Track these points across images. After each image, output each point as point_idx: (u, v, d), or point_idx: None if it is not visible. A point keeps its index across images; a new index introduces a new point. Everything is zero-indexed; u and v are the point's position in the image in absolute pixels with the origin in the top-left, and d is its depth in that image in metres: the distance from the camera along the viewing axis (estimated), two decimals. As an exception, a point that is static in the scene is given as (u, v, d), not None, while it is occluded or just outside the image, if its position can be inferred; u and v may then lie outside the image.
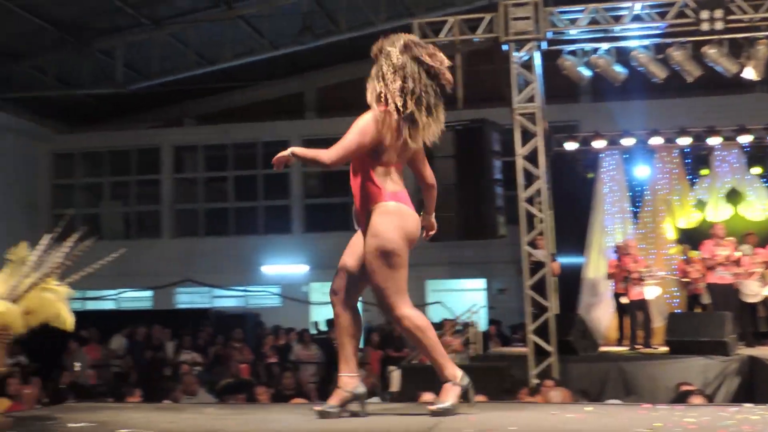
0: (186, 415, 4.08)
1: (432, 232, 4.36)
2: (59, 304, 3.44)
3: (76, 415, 3.90)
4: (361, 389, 3.92)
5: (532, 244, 11.22)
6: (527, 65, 11.22)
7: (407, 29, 15.64)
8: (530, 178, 11.28)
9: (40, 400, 9.63)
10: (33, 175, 21.17)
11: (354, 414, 3.89)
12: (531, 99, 11.17)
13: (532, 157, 11.15)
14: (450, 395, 3.87)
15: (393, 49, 3.94)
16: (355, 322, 4.01)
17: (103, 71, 18.11)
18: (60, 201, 21.68)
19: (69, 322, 3.47)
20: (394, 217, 3.89)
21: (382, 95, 3.90)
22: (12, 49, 17.65)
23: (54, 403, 8.87)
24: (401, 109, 3.84)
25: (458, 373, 3.91)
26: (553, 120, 13.92)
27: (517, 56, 11.15)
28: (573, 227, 14.25)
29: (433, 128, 3.96)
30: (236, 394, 9.35)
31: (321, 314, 18.93)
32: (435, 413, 3.77)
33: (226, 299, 20.64)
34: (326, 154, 3.84)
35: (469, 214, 11.35)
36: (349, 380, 3.92)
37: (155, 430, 3.32)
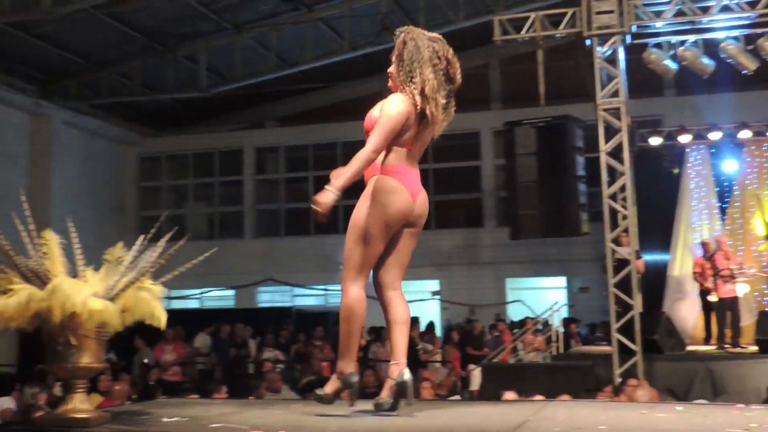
0: (273, 411, 4.13)
1: None
2: (153, 302, 3.54)
3: (168, 410, 4.00)
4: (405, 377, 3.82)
5: (616, 242, 11.03)
6: (611, 60, 11.04)
7: (487, 26, 15.64)
8: (614, 175, 11.09)
9: (129, 396, 9.91)
10: (121, 178, 21.81)
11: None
12: (615, 94, 10.99)
13: (615, 153, 10.96)
14: (329, 386, 3.96)
15: (418, 42, 3.96)
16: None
17: (187, 76, 18.54)
18: (146, 203, 22.31)
19: (162, 319, 3.57)
20: (381, 193, 3.84)
21: (405, 83, 3.90)
22: (101, 56, 18.23)
23: (142, 399, 9.14)
24: (420, 98, 3.86)
25: (348, 370, 3.91)
26: (636, 115, 13.66)
27: (601, 51, 10.98)
28: (657, 224, 13.96)
29: (443, 124, 4.03)
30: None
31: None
32: (314, 398, 3.95)
33: (307, 298, 20.87)
34: (367, 150, 3.79)
35: (551, 211, 11.25)
36: (395, 369, 3.86)
37: (246, 425, 3.37)
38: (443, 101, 3.97)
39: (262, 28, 17.90)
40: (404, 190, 3.88)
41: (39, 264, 3.38)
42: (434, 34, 4.05)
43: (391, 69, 4.02)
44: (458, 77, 4.04)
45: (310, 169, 21.50)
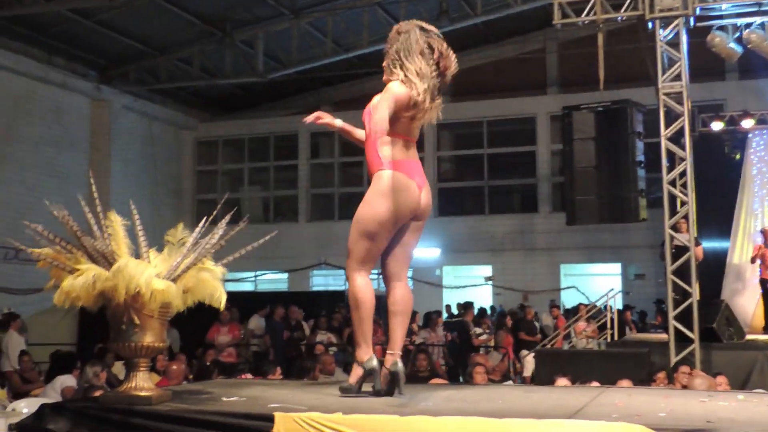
0: (329, 393, 4.17)
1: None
2: (214, 283, 3.60)
3: (227, 390, 4.07)
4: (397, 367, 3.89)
5: (675, 228, 10.86)
6: (673, 43, 10.82)
7: (545, 10, 15.49)
8: (673, 160, 10.90)
9: (186, 376, 10.08)
10: (178, 162, 22.16)
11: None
12: (676, 78, 10.78)
13: (676, 138, 10.78)
14: (352, 376, 3.95)
15: (410, 34, 4.02)
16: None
17: (244, 61, 18.71)
18: (202, 186, 22.63)
19: (222, 301, 3.62)
20: (386, 187, 3.87)
21: (397, 72, 3.98)
22: (160, 42, 18.50)
23: (199, 380, 9.30)
24: (414, 88, 3.90)
25: (365, 357, 3.89)
26: (697, 99, 13.42)
27: (663, 34, 10.77)
28: (717, 210, 13.72)
29: (432, 113, 4.01)
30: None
31: (453, 298, 18.96)
32: (341, 390, 3.92)
33: (361, 282, 20.95)
34: (374, 122, 3.80)
35: (609, 197, 11.10)
36: (389, 358, 3.95)
37: (305, 405, 3.41)
38: (431, 89, 3.96)
39: (319, 13, 17.95)
40: (413, 186, 3.93)
41: (105, 245, 3.46)
42: (430, 27, 4.10)
43: (385, 62, 4.11)
44: (450, 71, 4.04)
45: (364, 153, 21.52)
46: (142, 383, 3.48)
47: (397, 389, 3.85)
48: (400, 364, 3.89)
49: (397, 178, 3.89)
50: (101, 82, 19.01)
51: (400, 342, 4.03)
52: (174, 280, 3.47)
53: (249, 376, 8.33)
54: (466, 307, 15.76)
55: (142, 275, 3.36)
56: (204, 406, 3.45)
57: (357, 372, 3.93)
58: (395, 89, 3.90)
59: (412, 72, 3.93)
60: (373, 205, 3.88)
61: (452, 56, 4.06)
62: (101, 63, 18.84)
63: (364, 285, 3.94)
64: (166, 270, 3.47)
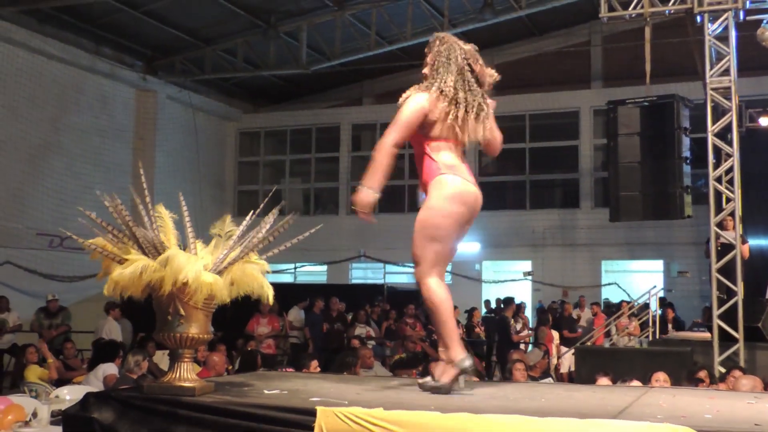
0: (369, 387, 4.17)
1: None
2: (260, 277, 3.62)
3: (268, 383, 4.09)
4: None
5: (720, 225, 10.69)
6: (721, 37, 10.64)
7: (590, 3, 15.28)
8: (720, 156, 10.73)
9: (226, 368, 10.16)
10: (221, 153, 22.34)
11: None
12: (724, 73, 10.60)
13: (722, 134, 10.60)
14: (445, 375, 3.86)
15: (450, 51, 4.11)
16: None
17: (287, 53, 18.79)
18: (244, 177, 22.79)
19: (269, 293, 3.64)
20: (447, 191, 3.95)
21: (431, 84, 4.06)
22: (206, 33, 18.66)
23: (240, 371, 9.37)
24: (439, 96, 4.01)
25: (459, 357, 3.87)
26: (744, 94, 13.16)
27: (711, 28, 10.59)
28: (764, 208, 13.48)
29: (479, 130, 4.10)
30: (410, 368, 9.50)
31: (492, 293, 18.88)
32: (424, 388, 3.85)
33: (398, 275, 20.96)
34: (387, 143, 4.07)
35: (654, 193, 10.98)
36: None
37: (345, 400, 3.42)
38: (475, 101, 4.07)
39: (363, 5, 17.95)
40: (473, 190, 4.03)
41: (155, 235, 3.50)
42: (468, 46, 4.20)
43: (425, 71, 4.18)
44: (487, 81, 4.18)
45: (405, 147, 21.44)
46: (186, 374, 3.51)
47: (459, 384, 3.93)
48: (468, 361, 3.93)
49: (459, 182, 3.99)
50: (147, 72, 19.23)
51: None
52: (220, 273, 3.50)
53: (291, 370, 8.38)
54: (507, 302, 15.70)
55: (189, 267, 3.39)
56: (247, 398, 3.47)
57: (450, 371, 3.89)
58: (406, 108, 4.07)
59: (441, 84, 4.03)
60: (440, 209, 3.94)
61: (487, 72, 4.18)
62: (147, 53, 19.06)
63: (438, 287, 3.94)
64: (213, 262, 3.50)
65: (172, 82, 19.74)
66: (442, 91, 4.00)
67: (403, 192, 21.56)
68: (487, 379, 11.45)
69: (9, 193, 15.88)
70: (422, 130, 4.06)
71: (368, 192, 4.01)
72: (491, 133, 4.21)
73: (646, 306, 14.23)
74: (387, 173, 4.06)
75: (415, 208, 21.90)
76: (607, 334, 14.03)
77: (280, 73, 20.29)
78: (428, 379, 3.95)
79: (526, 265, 20.05)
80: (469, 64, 4.11)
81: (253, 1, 17.27)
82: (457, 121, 4.02)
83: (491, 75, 4.20)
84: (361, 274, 21.70)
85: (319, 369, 8.09)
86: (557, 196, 21.29)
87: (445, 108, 3.99)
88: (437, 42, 4.17)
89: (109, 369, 8.68)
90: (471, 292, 19.18)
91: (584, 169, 19.90)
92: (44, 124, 16.69)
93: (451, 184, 3.96)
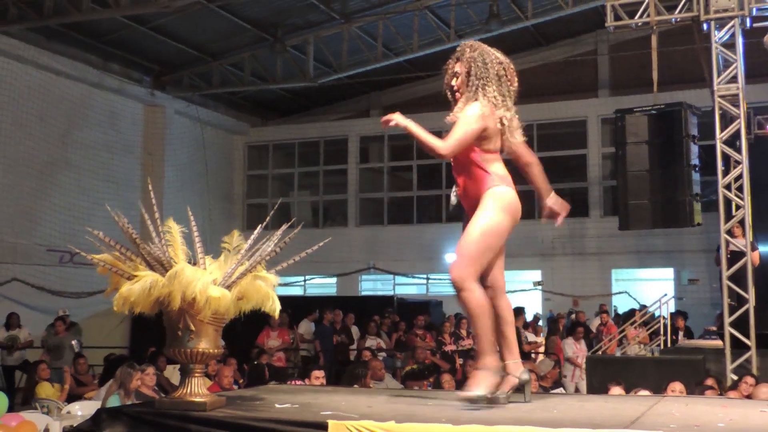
0: (380, 400, 4.16)
1: (564, 213, 4.51)
2: (269, 291, 3.62)
3: (279, 396, 4.08)
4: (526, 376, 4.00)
5: (730, 233, 10.65)
6: (728, 44, 10.62)
7: (596, 12, 15.30)
8: (728, 163, 10.70)
9: (236, 381, 10.16)
10: (229, 167, 22.39)
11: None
12: (732, 80, 10.59)
13: (730, 141, 10.58)
14: (481, 384, 3.84)
15: (486, 58, 4.10)
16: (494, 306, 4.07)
17: (295, 66, 18.86)
18: (253, 191, 22.84)
19: (277, 309, 3.64)
20: (504, 200, 4.01)
21: (480, 90, 4.04)
22: (213, 48, 18.76)
23: (250, 384, 9.36)
24: (497, 104, 4.04)
25: (493, 365, 3.90)
26: (752, 101, 13.14)
27: (718, 35, 10.58)
28: (773, 215, 13.38)
29: (515, 138, 4.18)
30: (421, 380, 9.48)
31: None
32: (463, 399, 3.81)
33: (408, 287, 20.94)
34: (443, 146, 3.97)
35: (663, 201, 10.95)
36: (516, 366, 4.01)
37: (356, 413, 3.41)
38: (513, 110, 4.15)
39: (369, 18, 18.02)
40: (518, 202, 4.09)
41: (163, 251, 3.50)
42: (498, 54, 4.18)
43: (458, 83, 4.15)
44: (515, 87, 4.19)
45: (413, 158, 21.54)
46: (197, 389, 3.51)
47: (524, 396, 3.98)
48: (527, 374, 4.02)
49: (513, 194, 4.07)
50: (155, 87, 19.32)
51: (517, 349, 4.13)
52: (229, 287, 3.50)
53: (300, 383, 8.36)
54: (517, 312, 15.63)
55: (197, 282, 3.39)
56: (258, 413, 3.47)
57: (492, 379, 3.90)
58: (471, 117, 4.00)
59: (490, 96, 4.04)
60: (500, 220, 3.99)
61: (515, 78, 4.20)
62: (155, 69, 19.15)
63: (483, 294, 3.95)
64: (222, 277, 3.50)
65: (180, 96, 19.82)
66: (490, 101, 4.02)
67: (412, 204, 21.57)
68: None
69: (19, 210, 15.94)
70: (478, 143, 4.06)
71: (405, 120, 4.08)
72: (523, 143, 4.28)
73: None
74: (418, 141, 4.07)
75: (426, 220, 21.96)
76: (619, 343, 13.96)
77: (287, 87, 20.36)
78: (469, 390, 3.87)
79: (536, 275, 20.00)
80: (504, 69, 4.12)
81: (260, 15, 17.35)
82: (506, 130, 4.08)
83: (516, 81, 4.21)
84: (371, 285, 21.68)
85: (323, 381, 8.02)
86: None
87: (496, 118, 4.03)
88: (468, 49, 4.13)
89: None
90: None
91: (593, 177, 19.87)
92: (53, 141, 16.77)
93: (507, 195, 4.04)
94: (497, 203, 3.99)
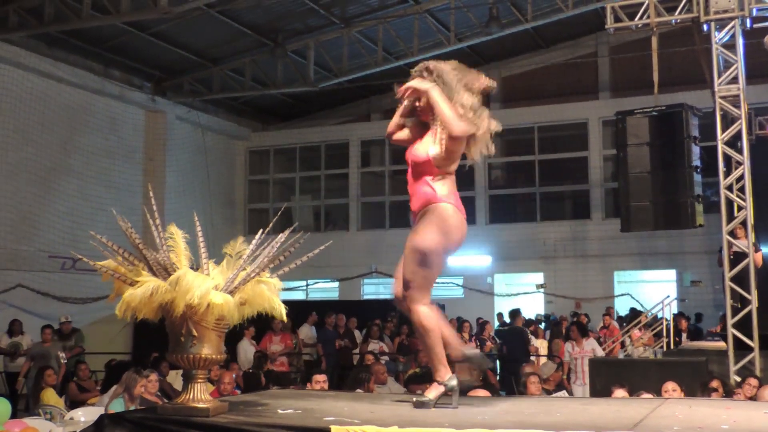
0: (383, 405, 4.16)
1: None
2: (272, 295, 3.62)
3: (282, 402, 4.08)
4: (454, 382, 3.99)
5: (732, 234, 10.64)
6: (729, 45, 10.62)
7: (596, 14, 15.29)
8: (730, 164, 10.69)
9: (238, 386, 10.16)
10: (230, 172, 22.40)
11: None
12: (733, 81, 10.58)
13: (732, 142, 10.57)
14: (432, 391, 3.94)
15: (446, 68, 4.10)
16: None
17: (295, 71, 18.87)
18: (254, 196, 22.85)
19: (281, 312, 3.64)
20: (441, 219, 3.95)
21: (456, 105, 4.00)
22: (213, 53, 18.78)
23: (250, 390, 9.35)
24: (472, 122, 4.00)
25: (446, 376, 3.96)
26: (753, 101, 13.14)
27: (719, 36, 10.58)
28: (775, 216, 13.36)
29: (481, 144, 4.10)
30: (423, 383, 9.45)
31: (505, 306, 18.83)
32: (415, 405, 3.90)
33: (411, 290, 20.88)
34: (459, 125, 3.92)
35: (664, 202, 10.94)
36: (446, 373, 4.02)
37: (358, 419, 3.41)
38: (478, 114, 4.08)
39: (369, 22, 18.03)
40: (464, 222, 4.05)
41: (165, 257, 3.50)
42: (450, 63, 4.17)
43: (422, 102, 4.12)
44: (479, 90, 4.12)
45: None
46: (200, 395, 3.51)
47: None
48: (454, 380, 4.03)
49: (453, 214, 3.99)
50: (156, 93, 19.34)
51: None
52: (231, 293, 3.50)
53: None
54: (515, 314, 15.65)
55: (199, 288, 3.39)
56: (260, 418, 3.46)
57: (437, 390, 3.97)
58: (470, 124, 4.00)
59: (466, 107, 4.00)
60: (429, 235, 3.94)
61: (479, 79, 4.14)
62: (156, 74, 19.17)
63: (428, 313, 3.98)
64: (224, 282, 3.50)
65: (181, 102, 19.84)
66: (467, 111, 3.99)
67: (413, 207, 21.57)
68: (503, 393, 11.40)
69: (21, 216, 15.95)
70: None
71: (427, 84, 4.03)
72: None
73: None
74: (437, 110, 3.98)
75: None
76: (622, 345, 13.96)
77: (288, 91, 20.37)
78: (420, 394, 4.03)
79: (538, 278, 19.99)
80: (462, 78, 4.08)
81: (260, 20, 17.37)
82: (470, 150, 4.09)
83: (484, 82, 4.14)
84: (373, 289, 21.67)
85: (324, 385, 8.00)
86: (568, 208, 21.24)
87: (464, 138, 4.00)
88: (425, 73, 4.13)
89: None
90: (483, 305, 19.13)
91: (594, 180, 19.87)
92: (55, 147, 16.78)
93: (453, 214, 4.00)
94: (439, 220, 3.95)
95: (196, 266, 3.58)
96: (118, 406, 7.45)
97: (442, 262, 3.98)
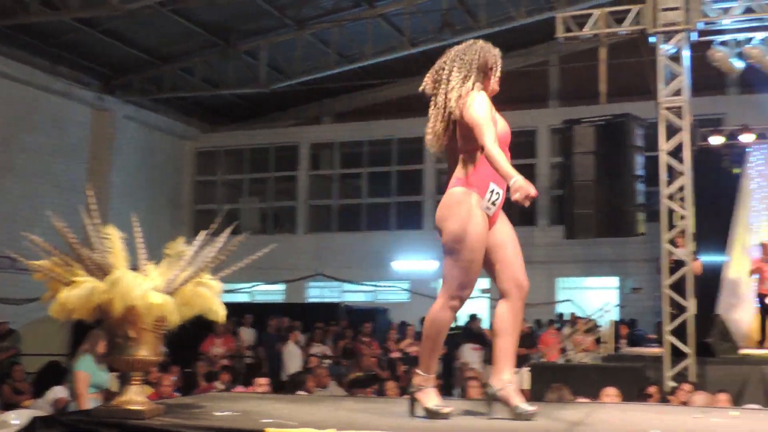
0: (323, 407, 4.16)
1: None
2: (212, 297, 3.59)
3: (219, 404, 4.05)
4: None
5: (673, 242, 10.85)
6: (675, 57, 10.84)
7: (549, 24, 15.47)
8: (672, 174, 10.91)
9: (178, 388, 10.04)
10: (178, 173, 22.16)
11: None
12: (677, 92, 10.79)
13: (675, 153, 10.77)
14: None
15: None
16: None
17: (247, 71, 18.75)
18: (201, 197, 22.62)
19: (221, 314, 3.62)
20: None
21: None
22: (164, 52, 18.58)
23: (188, 392, 9.27)
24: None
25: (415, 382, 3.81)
26: (697, 113, 13.41)
27: (665, 48, 10.79)
28: (715, 225, 13.69)
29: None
30: (365, 387, 9.47)
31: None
32: (516, 416, 3.67)
33: (356, 294, 20.89)
34: (488, 147, 3.76)
35: (608, 210, 11.10)
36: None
37: (296, 421, 3.40)
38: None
39: (324, 25, 18.01)
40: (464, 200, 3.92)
41: (103, 257, 3.46)
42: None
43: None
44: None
45: (364, 166, 21.58)
46: (136, 397, 3.47)
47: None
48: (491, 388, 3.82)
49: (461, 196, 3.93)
50: (104, 91, 19.06)
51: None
52: (171, 294, 3.47)
53: (241, 388, 8.30)
54: (473, 318, 15.94)
55: (138, 288, 3.36)
56: (196, 421, 3.43)
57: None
58: (481, 107, 3.88)
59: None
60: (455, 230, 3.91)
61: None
62: (105, 72, 18.89)
63: (437, 313, 4.03)
64: (164, 283, 3.47)
65: (130, 101, 19.58)
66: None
67: (361, 211, 21.60)
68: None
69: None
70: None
71: (520, 178, 3.68)
72: None
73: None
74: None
75: (375, 227, 21.90)
76: (563, 350, 14.13)
77: (239, 92, 20.24)
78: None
79: (484, 282, 20.08)
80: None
81: (213, 19, 17.23)
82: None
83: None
84: (318, 292, 21.62)
85: (266, 388, 7.96)
86: (514, 214, 21.37)
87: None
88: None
89: (60, 392, 8.52)
90: (427, 309, 19.15)
91: (541, 187, 20.06)
92: (-3, 145, 16.46)
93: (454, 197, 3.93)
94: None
95: (135, 267, 3.54)
96: (88, 362, 7.70)
97: None
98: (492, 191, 3.84)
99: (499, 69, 3.97)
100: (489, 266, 3.96)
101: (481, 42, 4.00)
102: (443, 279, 3.93)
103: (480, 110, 3.77)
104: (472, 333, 15.53)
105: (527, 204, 3.65)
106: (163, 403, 3.86)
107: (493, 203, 3.85)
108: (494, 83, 3.96)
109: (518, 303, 3.94)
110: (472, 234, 3.75)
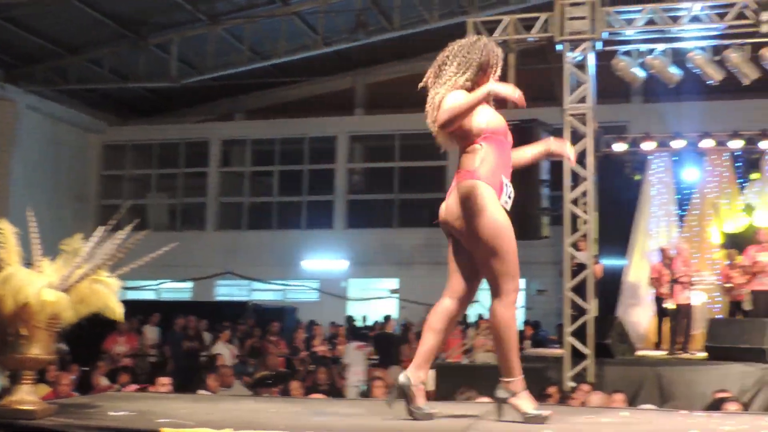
0: (223, 407, 4.14)
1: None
2: (109, 295, 3.52)
3: (116, 404, 3.99)
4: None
5: (575, 246, 11.14)
6: (581, 65, 11.12)
7: (461, 28, 15.62)
8: (577, 179, 11.19)
9: (78, 387, 9.80)
10: (84, 166, 21.60)
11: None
12: (582, 99, 11.07)
13: (579, 158, 11.05)
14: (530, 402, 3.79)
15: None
16: None
17: (157, 65, 18.41)
18: (108, 192, 22.09)
19: (118, 312, 3.56)
20: None
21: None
22: (71, 42, 18.08)
23: (88, 391, 9.06)
24: None
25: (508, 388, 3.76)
26: (602, 120, 13.79)
27: (571, 56, 11.06)
28: (616, 229, 14.09)
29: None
30: (271, 387, 9.43)
31: (357, 310, 19.01)
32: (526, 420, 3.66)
33: (265, 293, 20.78)
34: (452, 106, 3.87)
35: (513, 214, 11.25)
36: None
37: (194, 421, 3.38)
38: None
39: (237, 20, 17.83)
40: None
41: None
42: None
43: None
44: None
45: (275, 163, 21.46)
46: (27, 396, 3.38)
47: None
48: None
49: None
50: (6, 81, 18.43)
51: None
52: (66, 291, 3.39)
53: (133, 387, 8.16)
54: (387, 319, 16.04)
55: (30, 285, 3.28)
56: (89, 420, 3.36)
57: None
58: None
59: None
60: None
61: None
62: (8, 61, 18.26)
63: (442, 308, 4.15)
64: (58, 280, 3.39)
65: (33, 91, 18.98)
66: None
67: (271, 209, 21.47)
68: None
69: None
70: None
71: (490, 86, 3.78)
72: None
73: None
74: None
75: (285, 226, 21.74)
76: (468, 351, 14.34)
77: (148, 86, 19.85)
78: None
79: (394, 283, 20.27)
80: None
81: (122, 10, 16.86)
82: None
83: None
84: (227, 291, 21.41)
85: (168, 387, 7.83)
86: (425, 215, 21.62)
87: None
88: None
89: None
90: (336, 309, 19.22)
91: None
92: None
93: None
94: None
95: (29, 263, 3.45)
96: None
97: None
98: (507, 185, 3.81)
99: (499, 68, 3.99)
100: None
101: (484, 39, 4.01)
102: (491, 279, 3.84)
103: (447, 107, 3.82)
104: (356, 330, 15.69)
105: (521, 100, 3.83)
106: (57, 402, 3.77)
107: (509, 196, 3.82)
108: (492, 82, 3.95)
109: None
110: (506, 222, 3.72)
